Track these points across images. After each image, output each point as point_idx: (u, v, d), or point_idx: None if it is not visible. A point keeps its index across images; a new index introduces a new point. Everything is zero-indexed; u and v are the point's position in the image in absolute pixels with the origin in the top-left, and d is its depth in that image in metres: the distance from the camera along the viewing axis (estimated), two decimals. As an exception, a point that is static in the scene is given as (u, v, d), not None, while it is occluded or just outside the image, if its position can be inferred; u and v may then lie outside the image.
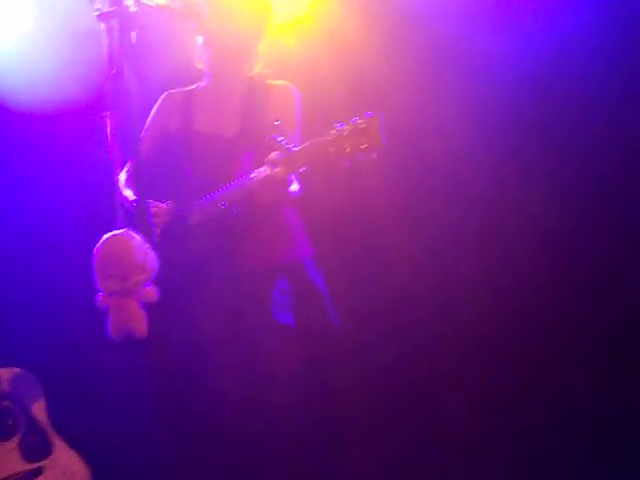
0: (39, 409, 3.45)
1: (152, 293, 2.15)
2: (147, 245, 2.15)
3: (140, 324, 2.14)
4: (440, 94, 3.53)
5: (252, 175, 2.69)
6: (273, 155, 2.63)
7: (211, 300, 2.85)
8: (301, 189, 2.86)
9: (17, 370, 3.47)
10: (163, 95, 3.09)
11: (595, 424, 3.40)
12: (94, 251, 2.15)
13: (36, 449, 3.40)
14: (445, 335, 3.61)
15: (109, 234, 2.14)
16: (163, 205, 2.86)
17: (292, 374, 2.85)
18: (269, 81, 3.06)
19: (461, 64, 3.56)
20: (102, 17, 2.21)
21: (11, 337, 3.64)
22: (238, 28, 2.92)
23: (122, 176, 2.89)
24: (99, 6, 2.23)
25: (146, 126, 3.07)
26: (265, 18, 3.01)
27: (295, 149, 2.60)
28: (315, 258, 3.02)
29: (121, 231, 2.14)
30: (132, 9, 2.26)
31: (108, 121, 2.23)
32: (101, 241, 2.14)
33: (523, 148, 3.55)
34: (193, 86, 3.11)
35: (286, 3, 3.46)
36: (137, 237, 2.16)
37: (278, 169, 2.61)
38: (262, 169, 2.66)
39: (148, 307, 2.19)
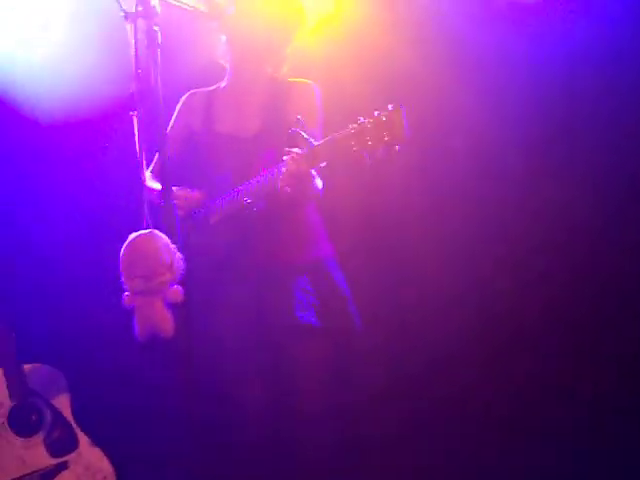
0: (64, 405, 3.48)
1: (178, 293, 2.15)
2: (173, 245, 2.15)
3: (166, 324, 2.15)
4: (466, 94, 3.53)
5: (274, 170, 2.70)
6: (295, 150, 2.63)
7: (233, 298, 2.86)
8: (323, 187, 2.86)
9: (42, 366, 3.51)
10: (186, 94, 3.12)
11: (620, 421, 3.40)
12: (121, 251, 2.15)
13: (61, 444, 3.44)
14: (470, 335, 3.61)
15: (135, 234, 2.15)
16: (190, 192, 2.87)
17: (314, 373, 2.85)
18: (290, 79, 3.05)
19: (487, 64, 3.56)
20: (129, 18, 2.22)
21: (37, 334, 3.68)
22: (268, 29, 2.92)
23: (147, 174, 2.91)
24: (125, 7, 2.24)
25: (170, 125, 3.08)
26: (298, 23, 3.00)
27: (316, 143, 2.60)
28: (336, 258, 3.03)
29: (147, 231, 2.15)
30: (158, 9, 2.27)
31: (135, 120, 2.23)
32: (128, 241, 2.15)
33: (552, 146, 3.54)
34: (215, 86, 3.12)
35: (312, 3, 3.45)
36: (163, 237, 2.16)
37: (300, 163, 2.61)
38: (284, 164, 2.66)
39: (174, 307, 2.19)
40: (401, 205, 3.69)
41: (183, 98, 3.11)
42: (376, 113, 2.51)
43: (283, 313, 2.82)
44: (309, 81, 3.05)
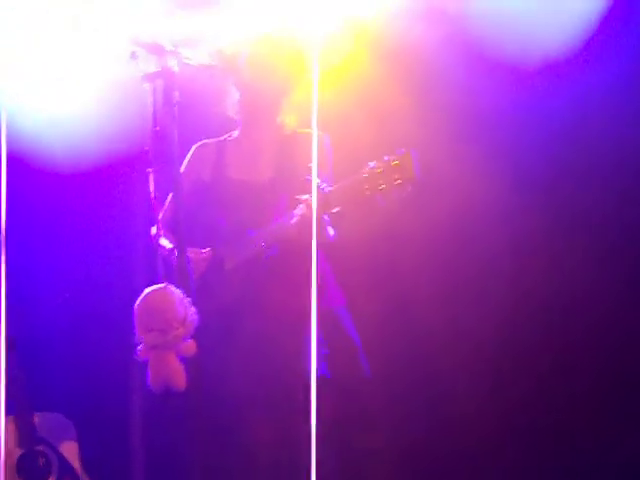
0: (72, 454, 3.50)
1: (191, 347, 2.18)
2: (187, 299, 2.19)
3: (179, 377, 2.18)
4: (470, 150, 3.59)
5: (288, 216, 2.75)
6: (308, 196, 2.69)
7: (246, 349, 2.89)
8: (335, 235, 2.90)
9: (52, 415, 3.53)
10: (196, 145, 3.14)
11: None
12: (136, 305, 2.19)
13: (68, 494, 3.45)
14: (482, 387, 3.61)
15: (150, 288, 2.19)
16: (202, 252, 2.92)
17: (325, 425, 2.87)
18: (300, 130, 3.12)
19: (489, 119, 3.62)
20: (147, 78, 2.29)
21: (47, 383, 3.69)
22: (270, 82, 2.99)
23: (158, 227, 2.97)
24: (143, 67, 2.31)
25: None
26: (298, 73, 3.06)
27: (329, 188, 2.66)
28: (346, 306, 3.06)
29: (162, 285, 2.19)
30: (175, 69, 2.34)
31: (151, 177, 2.29)
32: (143, 295, 2.19)
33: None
34: (225, 136, 3.17)
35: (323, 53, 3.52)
36: (177, 291, 2.20)
37: (313, 209, 2.67)
38: (298, 209, 2.72)
39: (186, 360, 2.22)
40: (411, 253, 3.71)
41: (193, 148, 3.13)
42: (386, 157, 2.61)
43: (296, 364, 2.85)
44: (319, 131, 3.12)
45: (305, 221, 2.69)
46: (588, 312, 3.56)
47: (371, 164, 2.65)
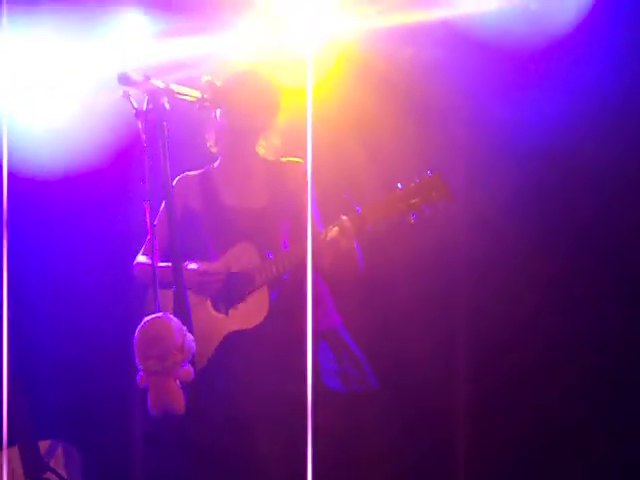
0: (78, 480, 3.55)
1: (189, 372, 2.26)
2: (185, 327, 2.27)
3: (178, 402, 2.25)
4: (458, 160, 3.66)
5: (322, 234, 2.90)
6: (345, 217, 2.88)
7: (255, 371, 2.98)
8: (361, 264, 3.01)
9: (58, 443, 3.58)
10: (178, 178, 3.21)
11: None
12: (135, 333, 2.27)
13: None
14: (478, 397, 3.66)
15: (149, 317, 2.26)
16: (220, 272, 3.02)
17: (340, 441, 2.94)
18: (283, 159, 3.23)
19: (477, 130, 3.69)
20: (139, 115, 2.37)
21: (52, 411, 3.75)
22: (249, 114, 3.10)
23: (142, 258, 3.11)
24: (136, 104, 2.39)
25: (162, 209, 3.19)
26: (275, 106, 3.19)
27: (364, 208, 2.86)
28: (344, 326, 3.16)
29: (160, 314, 2.27)
30: (167, 106, 2.42)
31: (148, 211, 2.37)
32: (142, 324, 2.27)
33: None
34: (204, 169, 3.26)
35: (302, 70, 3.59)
36: (175, 319, 2.28)
37: (349, 227, 2.86)
38: (332, 229, 2.88)
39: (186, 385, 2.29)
40: (406, 277, 3.77)
41: (175, 180, 3.17)
42: (417, 178, 2.83)
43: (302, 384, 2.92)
44: (301, 160, 3.21)
45: (338, 240, 2.85)
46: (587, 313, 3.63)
47: (400, 185, 2.85)
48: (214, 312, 3.09)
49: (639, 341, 3.55)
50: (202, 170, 3.27)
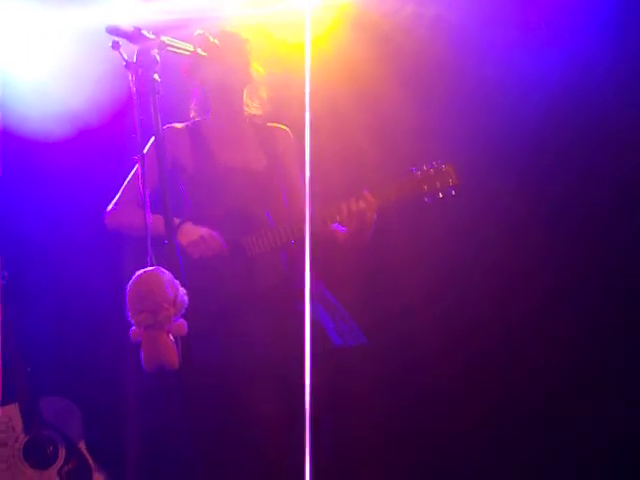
0: (78, 437, 3.57)
1: (182, 327, 2.25)
2: (177, 281, 2.26)
3: (172, 356, 2.24)
4: (456, 123, 3.62)
5: (343, 206, 2.95)
6: (364, 193, 2.96)
7: (253, 336, 2.99)
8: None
9: (57, 399, 3.60)
10: (164, 127, 3.16)
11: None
12: (127, 287, 2.26)
13: (76, 477, 3.52)
14: (476, 384, 3.69)
15: (141, 271, 2.25)
16: (219, 238, 3.00)
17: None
18: (268, 124, 3.23)
19: (483, 102, 3.66)
20: (129, 67, 2.34)
21: (51, 368, 3.77)
22: (224, 67, 3.01)
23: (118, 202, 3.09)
24: (126, 56, 2.36)
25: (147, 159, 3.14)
26: (250, 60, 3.18)
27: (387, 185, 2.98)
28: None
29: (152, 268, 2.25)
30: (158, 58, 2.39)
31: (139, 164, 2.34)
32: (133, 278, 2.25)
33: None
34: (188, 122, 3.21)
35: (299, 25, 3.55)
36: (167, 273, 2.26)
37: (372, 199, 2.95)
38: (352, 200, 2.95)
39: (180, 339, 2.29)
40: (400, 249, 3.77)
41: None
42: (432, 164, 3.02)
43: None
44: (284, 126, 3.24)
45: (364, 209, 2.94)
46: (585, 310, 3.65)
47: (415, 169, 3.01)
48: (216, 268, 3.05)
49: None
50: (188, 123, 3.21)
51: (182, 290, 2.27)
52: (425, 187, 3.01)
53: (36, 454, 3.51)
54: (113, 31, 2.33)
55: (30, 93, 3.66)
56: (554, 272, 3.66)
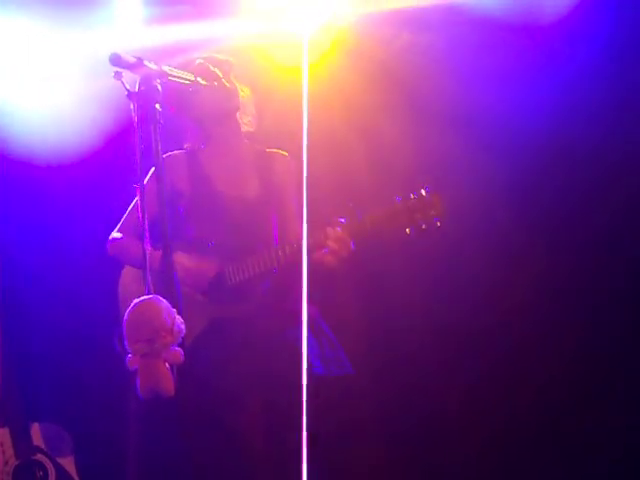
0: (69, 464, 3.56)
1: (178, 355, 2.25)
2: (174, 310, 2.27)
3: (167, 384, 2.24)
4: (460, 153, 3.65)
5: (318, 237, 2.91)
6: (343, 220, 2.91)
7: (240, 358, 2.99)
8: None
9: (49, 425, 3.59)
10: (164, 156, 3.18)
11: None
12: (124, 316, 2.26)
13: (65, 502, 3.51)
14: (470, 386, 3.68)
15: (138, 299, 2.26)
16: (203, 266, 3.01)
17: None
18: (268, 150, 3.26)
19: (475, 117, 3.68)
20: (131, 97, 2.36)
21: (44, 394, 3.75)
22: (224, 94, 3.08)
23: (117, 234, 3.12)
24: (129, 86, 2.38)
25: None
26: (234, 80, 3.19)
27: (365, 215, 2.89)
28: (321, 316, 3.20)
29: (149, 296, 2.26)
30: (159, 88, 2.41)
31: (139, 193, 2.35)
32: (131, 306, 2.26)
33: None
34: (185, 149, 3.25)
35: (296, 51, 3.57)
36: (164, 301, 2.27)
37: (346, 233, 2.89)
38: (329, 231, 2.90)
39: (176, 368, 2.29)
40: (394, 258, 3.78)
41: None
42: (416, 193, 2.86)
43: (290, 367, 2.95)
44: (286, 153, 3.25)
45: (336, 243, 2.88)
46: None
47: (399, 198, 2.88)
48: (199, 296, 3.07)
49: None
50: (186, 150, 3.26)
51: (179, 318, 2.28)
52: (404, 218, 2.91)
53: (26, 479, 3.49)
54: (116, 61, 2.35)
55: (29, 118, 3.67)
56: (555, 288, 3.68)
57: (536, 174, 3.66)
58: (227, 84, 3.10)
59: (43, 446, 3.54)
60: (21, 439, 3.50)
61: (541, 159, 3.64)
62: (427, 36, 3.69)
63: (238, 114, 3.23)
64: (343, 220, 2.95)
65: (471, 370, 3.69)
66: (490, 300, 3.68)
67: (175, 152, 3.24)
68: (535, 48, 3.63)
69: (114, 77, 2.34)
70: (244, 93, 3.23)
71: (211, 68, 2.95)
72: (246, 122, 3.24)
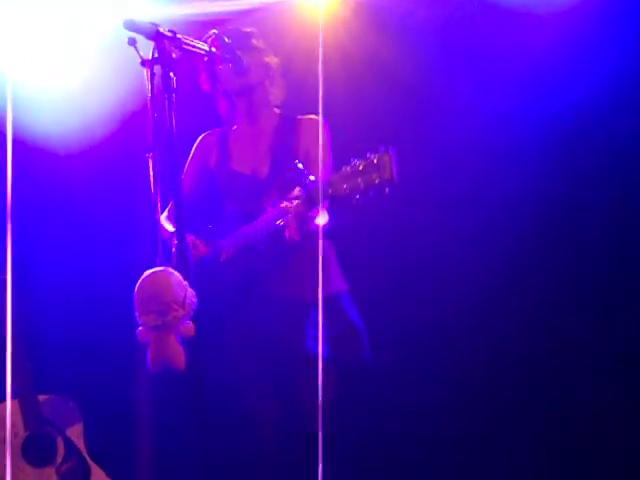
0: (77, 436, 3.55)
1: (190, 328, 2.22)
2: (186, 282, 2.23)
3: (178, 358, 2.22)
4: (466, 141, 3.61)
5: (274, 211, 2.83)
6: (295, 191, 2.77)
7: (244, 336, 2.95)
8: (330, 221, 2.91)
9: (57, 397, 3.57)
10: (203, 134, 3.24)
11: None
12: (135, 287, 2.23)
13: (74, 475, 3.49)
14: (489, 373, 3.65)
15: (149, 271, 2.22)
16: (201, 242, 2.98)
17: (325, 407, 2.91)
18: (299, 116, 3.17)
19: (489, 97, 3.63)
20: (145, 64, 2.31)
21: (52, 365, 3.74)
22: (240, 66, 3.00)
23: (164, 214, 3.05)
24: (142, 53, 2.33)
25: (188, 162, 3.20)
26: (256, 49, 3.13)
27: (312, 187, 2.72)
28: (349, 293, 3.12)
29: (161, 268, 2.23)
30: (174, 55, 2.36)
31: (151, 162, 2.32)
32: (142, 278, 2.23)
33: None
34: (224, 127, 3.24)
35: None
36: (176, 274, 2.24)
37: (298, 205, 2.75)
38: (283, 205, 2.79)
39: (186, 342, 2.26)
40: (419, 241, 3.74)
41: (200, 137, 3.24)
42: (367, 155, 2.59)
43: (293, 348, 2.91)
44: (316, 116, 3.11)
45: (290, 217, 2.76)
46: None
47: (352, 161, 2.64)
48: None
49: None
50: (224, 128, 3.25)
51: (191, 291, 2.25)
52: (346, 186, 2.62)
53: (35, 451, 3.48)
54: (130, 26, 2.30)
55: (42, 101, 3.64)
56: (552, 284, 3.64)
57: (536, 172, 3.62)
58: (243, 57, 3.01)
59: (51, 417, 3.53)
60: (30, 411, 3.48)
61: (543, 156, 3.60)
62: (443, 12, 3.64)
63: (267, 83, 3.14)
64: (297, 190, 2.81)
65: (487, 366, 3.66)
66: (498, 295, 3.64)
67: (212, 130, 3.24)
68: (539, 39, 3.56)
69: (128, 43, 2.29)
70: (273, 62, 3.15)
71: (226, 40, 2.86)
72: (277, 92, 3.17)
